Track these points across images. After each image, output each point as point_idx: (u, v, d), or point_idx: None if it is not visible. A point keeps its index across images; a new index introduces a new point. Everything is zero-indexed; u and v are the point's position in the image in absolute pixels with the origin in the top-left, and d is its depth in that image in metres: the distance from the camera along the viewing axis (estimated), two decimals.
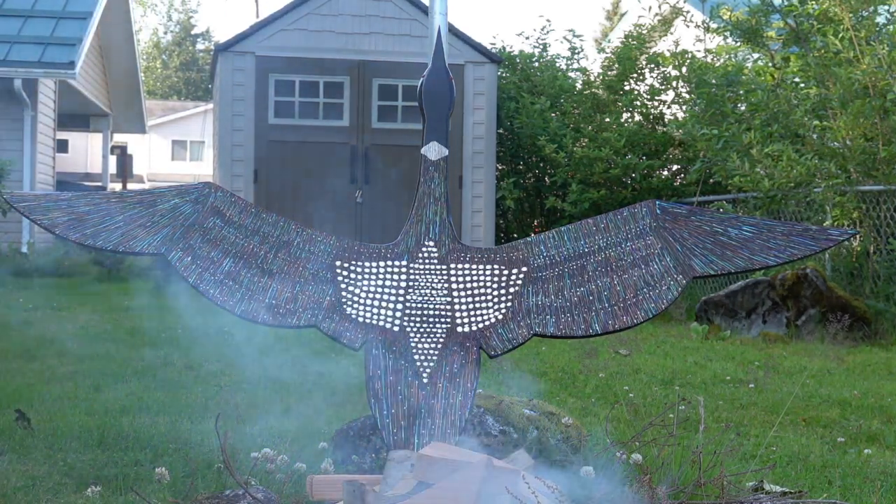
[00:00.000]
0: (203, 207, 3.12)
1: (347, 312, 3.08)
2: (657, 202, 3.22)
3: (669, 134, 12.84)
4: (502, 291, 3.13)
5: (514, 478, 2.58)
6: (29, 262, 12.29)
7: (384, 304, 3.10)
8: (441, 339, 3.04)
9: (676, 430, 3.56)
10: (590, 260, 3.15)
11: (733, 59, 12.29)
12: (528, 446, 3.30)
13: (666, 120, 13.16)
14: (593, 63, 15.38)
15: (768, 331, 8.18)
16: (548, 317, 3.08)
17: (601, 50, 14.63)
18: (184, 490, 3.18)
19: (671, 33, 13.70)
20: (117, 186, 23.83)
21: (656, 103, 13.34)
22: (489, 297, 3.11)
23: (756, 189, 9.79)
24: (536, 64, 14.19)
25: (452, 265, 3.16)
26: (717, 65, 12.15)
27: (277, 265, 3.11)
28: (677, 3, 13.51)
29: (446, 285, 3.12)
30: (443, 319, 3.08)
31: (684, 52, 12.36)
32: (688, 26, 12.89)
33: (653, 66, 13.24)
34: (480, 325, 3.08)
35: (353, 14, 12.57)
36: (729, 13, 11.04)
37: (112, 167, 22.74)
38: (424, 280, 3.12)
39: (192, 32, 56.34)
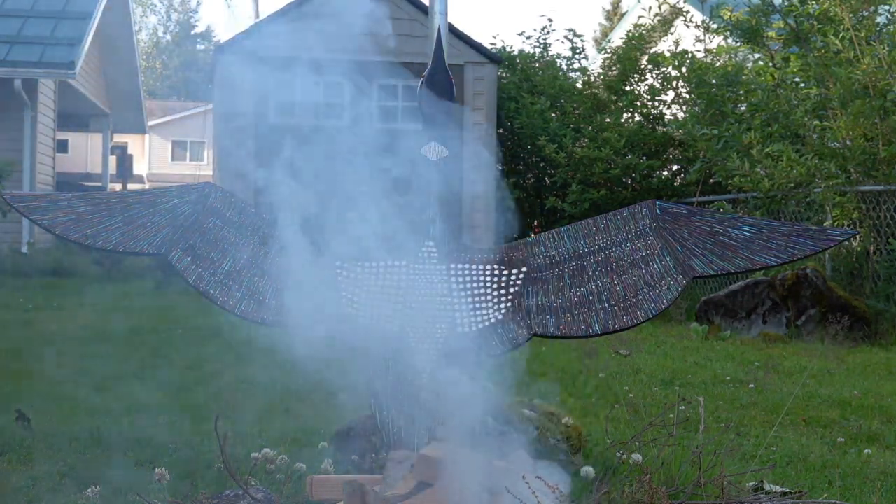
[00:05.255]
0: (203, 207, 3.12)
1: (347, 312, 3.07)
2: (657, 202, 3.21)
3: (669, 134, 12.84)
4: (502, 291, 3.12)
5: (514, 478, 2.58)
6: (29, 262, 12.29)
7: (384, 304, 3.09)
8: (441, 339, 3.04)
9: (676, 430, 3.56)
10: (590, 260, 3.15)
11: (733, 60, 12.29)
12: (528, 446, 3.30)
13: (666, 120, 13.16)
14: (594, 63, 15.38)
15: (768, 331, 8.18)
16: (548, 317, 3.08)
17: (601, 50, 14.63)
18: (184, 490, 3.18)
19: (671, 33, 13.70)
20: (117, 186, 23.82)
21: (656, 103, 13.34)
22: (489, 297, 3.11)
23: (756, 189, 9.79)
24: (537, 64, 14.18)
25: (452, 265, 3.15)
26: (717, 65, 12.15)
27: (277, 265, 3.11)
28: (677, 3, 13.50)
29: (446, 285, 3.12)
30: (443, 319, 3.07)
31: (684, 52, 12.35)
32: (688, 26, 12.89)
33: (653, 66, 13.24)
34: (480, 325, 3.07)
35: (354, 14, 12.56)
36: (729, 13, 11.04)
37: (112, 167, 22.72)
38: (424, 280, 3.12)
39: (192, 32, 56.33)
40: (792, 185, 9.40)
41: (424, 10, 11.55)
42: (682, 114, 12.87)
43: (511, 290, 3.12)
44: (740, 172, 9.67)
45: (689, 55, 12.23)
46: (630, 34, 13.67)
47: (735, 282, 8.76)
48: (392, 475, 2.71)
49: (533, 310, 3.09)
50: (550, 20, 14.68)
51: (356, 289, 3.11)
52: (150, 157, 40.92)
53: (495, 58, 13.19)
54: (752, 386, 5.71)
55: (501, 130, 13.58)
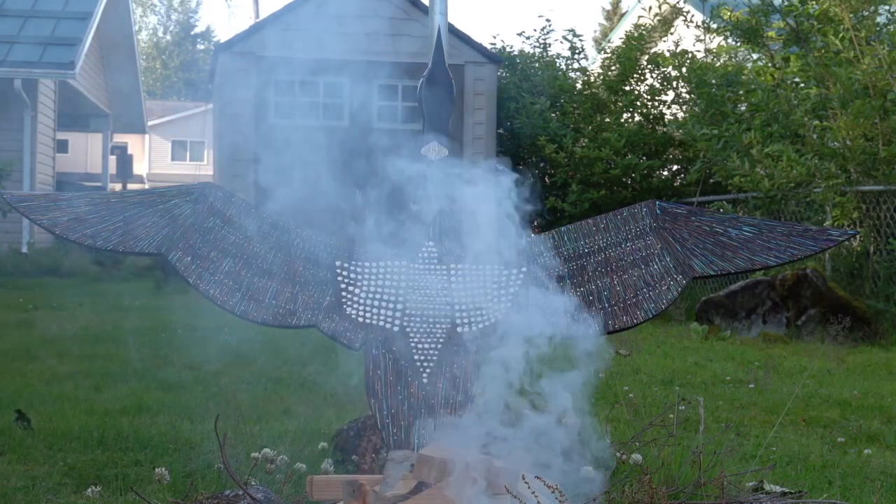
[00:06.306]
0: (203, 207, 3.12)
1: (347, 312, 3.07)
2: (657, 202, 3.21)
3: (669, 134, 12.84)
4: (502, 291, 3.12)
5: (514, 478, 2.57)
6: (29, 262, 12.29)
7: (384, 304, 3.09)
8: (441, 339, 3.04)
9: (676, 430, 3.56)
10: (590, 260, 3.15)
11: (733, 60, 12.29)
12: (528, 446, 3.29)
13: (666, 120, 13.16)
14: (593, 63, 15.37)
15: (768, 331, 8.18)
16: None
17: (601, 50, 14.62)
18: (184, 490, 3.18)
19: (671, 33, 13.70)
20: (117, 186, 23.81)
21: (656, 103, 13.34)
22: (489, 297, 3.11)
23: (756, 189, 9.79)
24: (536, 64, 14.18)
25: (452, 265, 3.15)
26: (717, 65, 12.15)
27: (277, 265, 3.10)
28: (677, 3, 13.50)
29: (446, 285, 3.12)
30: (443, 319, 3.07)
31: (684, 52, 12.36)
32: (688, 26, 12.89)
33: (653, 66, 13.24)
34: (480, 325, 3.07)
35: (354, 14, 12.57)
36: (729, 13, 11.04)
37: (112, 167, 22.72)
38: (424, 280, 3.12)
39: (192, 32, 56.32)
40: (792, 185, 9.41)
41: (424, 10, 11.56)
42: (682, 114, 12.87)
43: (511, 290, 3.12)
44: (740, 172, 9.68)
45: (689, 55, 12.23)
46: (630, 34, 13.67)
47: (735, 282, 8.76)
48: (392, 475, 2.71)
49: None
50: (549, 20, 14.68)
51: (356, 289, 3.11)
52: (150, 157, 40.92)
53: (495, 58, 13.19)
54: (752, 386, 5.71)
55: (501, 130, 13.58)
